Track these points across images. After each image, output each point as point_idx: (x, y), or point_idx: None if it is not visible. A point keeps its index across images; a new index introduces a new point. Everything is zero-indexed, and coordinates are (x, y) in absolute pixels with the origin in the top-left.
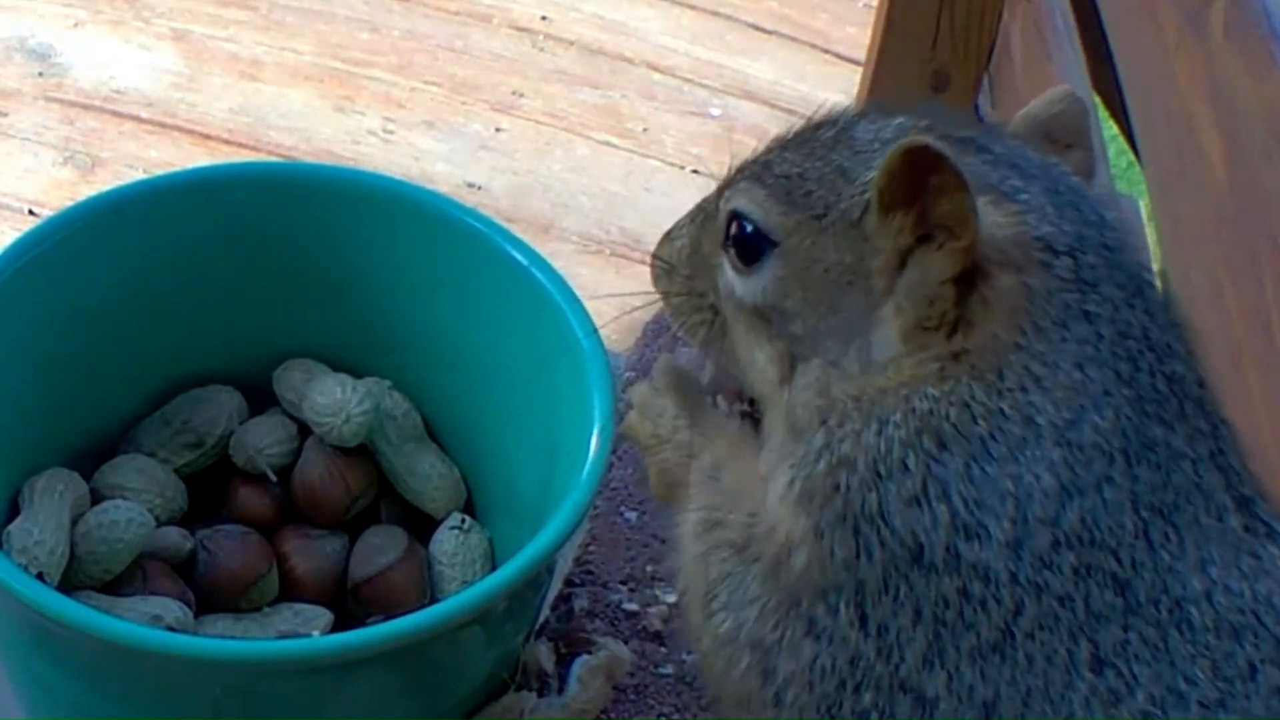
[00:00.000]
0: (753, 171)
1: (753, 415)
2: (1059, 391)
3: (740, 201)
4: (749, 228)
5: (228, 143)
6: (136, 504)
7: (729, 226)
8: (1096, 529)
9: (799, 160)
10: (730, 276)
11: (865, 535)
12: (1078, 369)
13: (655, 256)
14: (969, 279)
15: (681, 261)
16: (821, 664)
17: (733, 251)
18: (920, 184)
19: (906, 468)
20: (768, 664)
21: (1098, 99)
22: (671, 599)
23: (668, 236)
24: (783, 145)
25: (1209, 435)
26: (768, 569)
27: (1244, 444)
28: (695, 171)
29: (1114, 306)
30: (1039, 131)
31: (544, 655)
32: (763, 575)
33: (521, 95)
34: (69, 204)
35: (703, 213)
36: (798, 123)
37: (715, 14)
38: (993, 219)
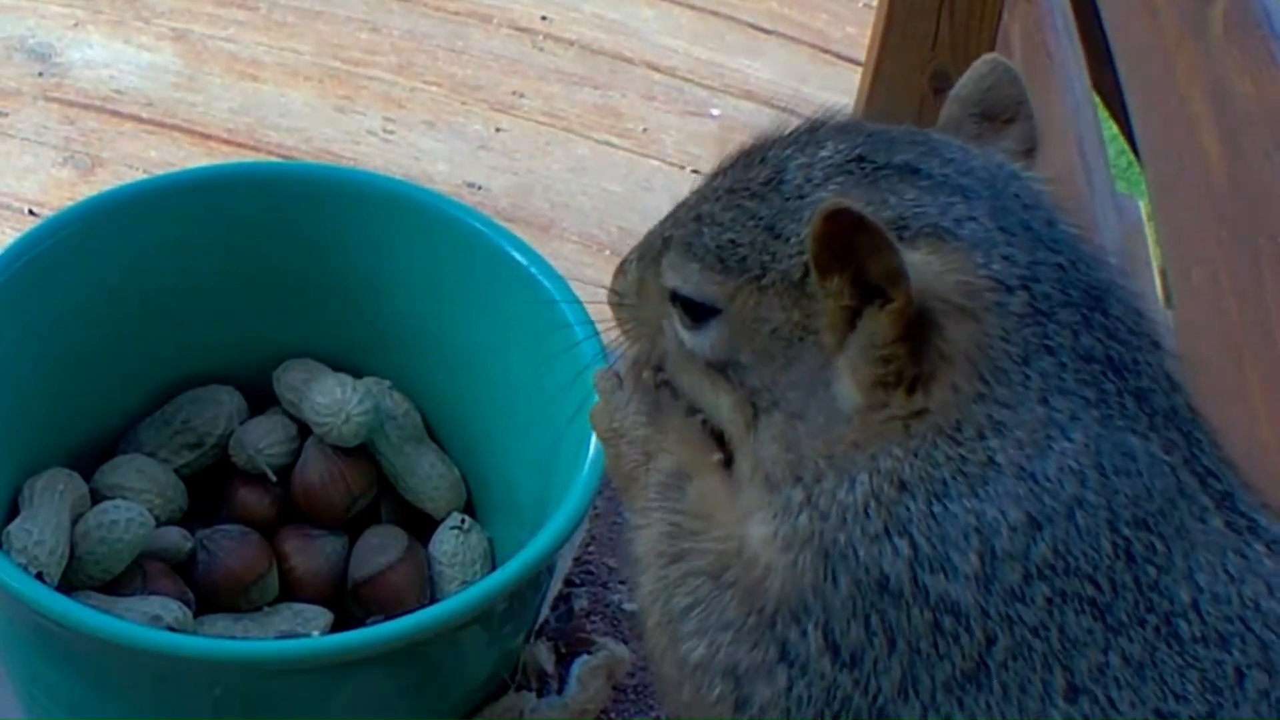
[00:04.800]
0: (683, 237)
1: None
2: (1020, 431)
3: (675, 280)
4: (691, 297)
5: (228, 143)
6: (136, 504)
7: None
8: (1070, 556)
9: (729, 221)
10: (680, 331)
11: (833, 562)
12: (1042, 404)
13: (610, 290)
14: (921, 332)
15: (631, 294)
16: (798, 693)
17: (680, 309)
18: (851, 243)
19: (869, 514)
20: (741, 692)
21: (1098, 99)
22: None
23: (620, 271)
24: (714, 192)
25: (1181, 445)
26: (744, 592)
27: (1221, 439)
28: (695, 171)
29: (1073, 333)
30: (974, 111)
31: (544, 655)
32: (739, 597)
33: (521, 95)
34: (69, 204)
35: (649, 250)
36: (731, 156)
37: (715, 14)
38: (934, 269)
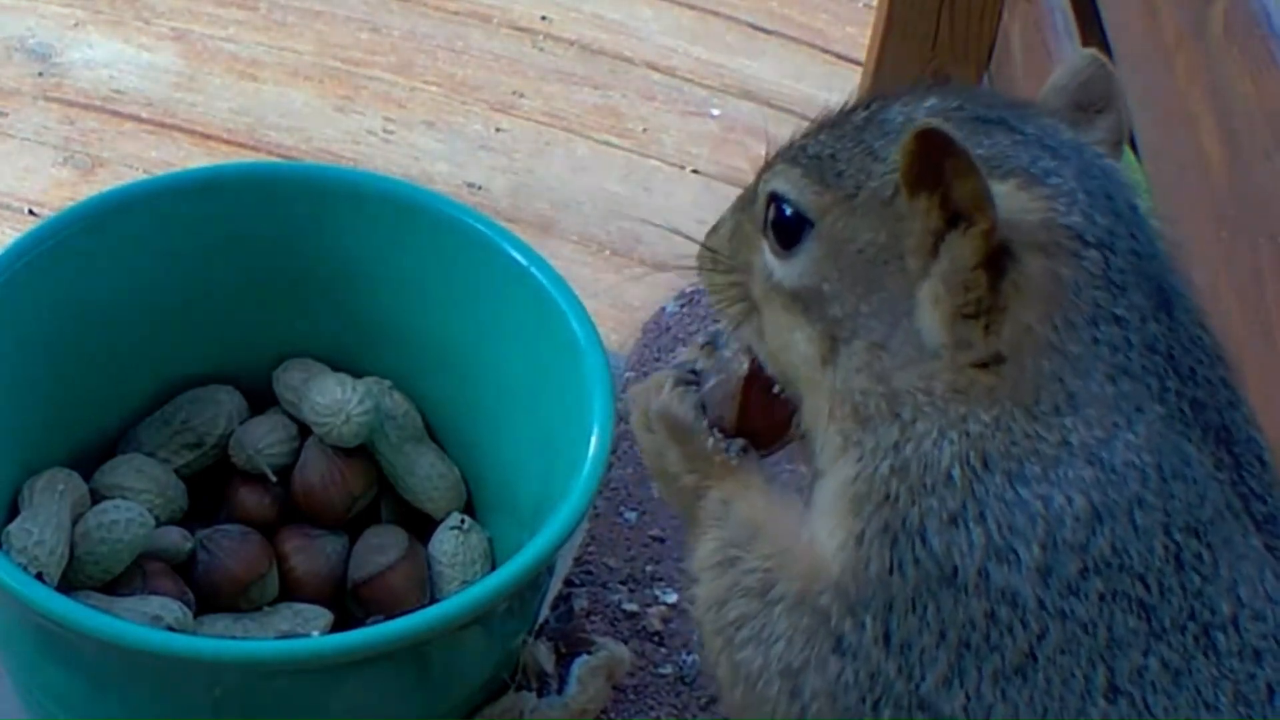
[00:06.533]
0: (789, 154)
1: (753, 449)
2: (1091, 409)
3: (777, 183)
4: (787, 209)
5: (228, 143)
6: (136, 504)
7: (768, 208)
8: (1125, 554)
9: (832, 142)
10: (769, 259)
11: (901, 550)
12: (1110, 381)
13: (704, 245)
14: (1000, 265)
15: (724, 246)
16: (844, 678)
17: (772, 235)
18: (938, 166)
19: (951, 481)
20: (796, 685)
21: None
22: (671, 599)
23: (714, 227)
24: (818, 128)
25: (1229, 464)
26: (794, 602)
27: (1269, 462)
28: (695, 171)
29: (1141, 317)
30: (1068, 100)
31: (544, 655)
32: (788, 609)
33: (521, 95)
34: (69, 204)
35: (743, 199)
36: (832, 109)
37: (715, 14)
38: (1020, 203)
